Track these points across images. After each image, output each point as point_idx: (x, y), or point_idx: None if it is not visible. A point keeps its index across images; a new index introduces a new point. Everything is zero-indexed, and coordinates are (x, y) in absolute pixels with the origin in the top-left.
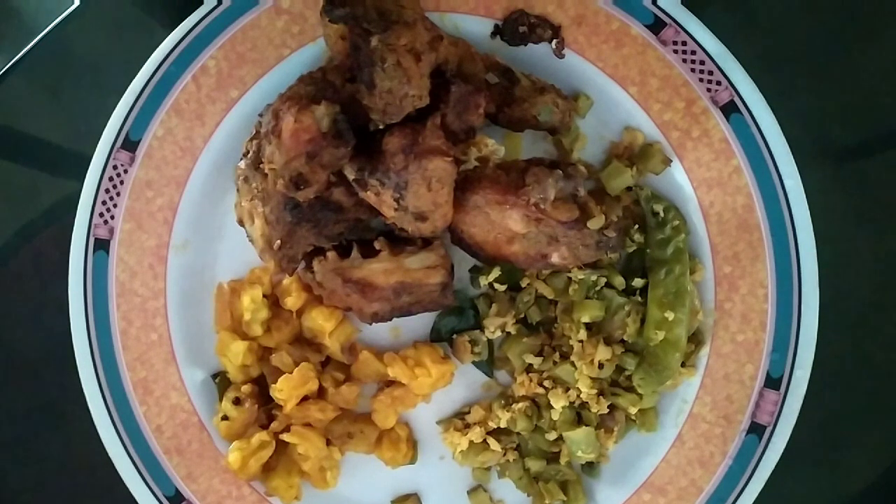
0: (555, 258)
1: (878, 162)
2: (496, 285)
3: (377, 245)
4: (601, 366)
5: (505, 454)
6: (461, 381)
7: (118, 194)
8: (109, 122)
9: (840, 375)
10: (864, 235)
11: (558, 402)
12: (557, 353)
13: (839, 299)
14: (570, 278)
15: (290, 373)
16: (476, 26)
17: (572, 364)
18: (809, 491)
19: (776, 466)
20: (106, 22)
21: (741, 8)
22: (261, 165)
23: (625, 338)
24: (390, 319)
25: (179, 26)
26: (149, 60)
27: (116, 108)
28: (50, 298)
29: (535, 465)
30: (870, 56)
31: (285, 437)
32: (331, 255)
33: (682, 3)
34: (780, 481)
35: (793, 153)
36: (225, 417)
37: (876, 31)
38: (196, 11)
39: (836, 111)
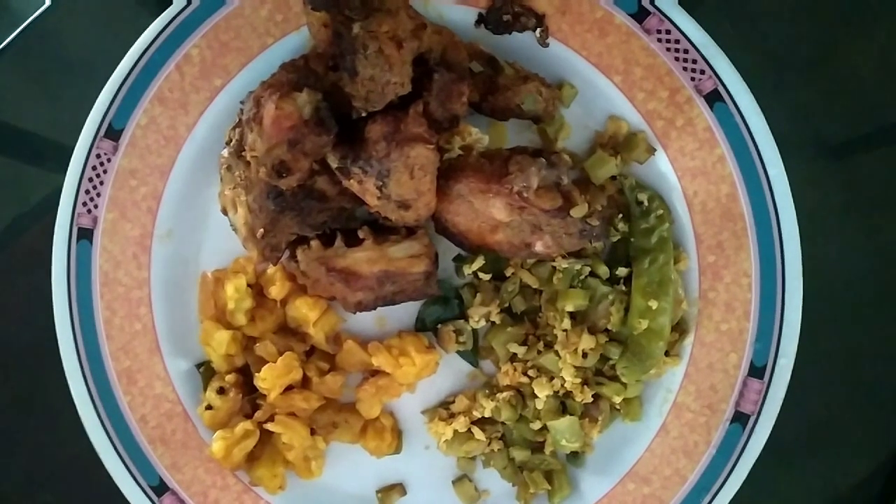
0: (538, 247)
1: (865, 154)
2: (480, 274)
3: (361, 234)
4: (585, 355)
5: (490, 444)
6: (446, 371)
7: (101, 183)
8: (92, 110)
9: (826, 366)
10: (849, 226)
11: (542, 392)
12: (542, 343)
13: (823, 289)
14: (554, 267)
15: (275, 362)
16: (460, 15)
17: (556, 353)
18: (799, 483)
19: (764, 458)
20: (89, 11)
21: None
22: (243, 154)
23: (609, 327)
24: (374, 308)
25: (162, 15)
26: (132, 49)
27: (99, 97)
28: (33, 288)
29: (519, 454)
30: (858, 50)
31: (269, 426)
32: (314, 243)
33: None
34: (768, 473)
35: (779, 145)
36: (209, 407)
37: (864, 25)
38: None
39: (824, 104)
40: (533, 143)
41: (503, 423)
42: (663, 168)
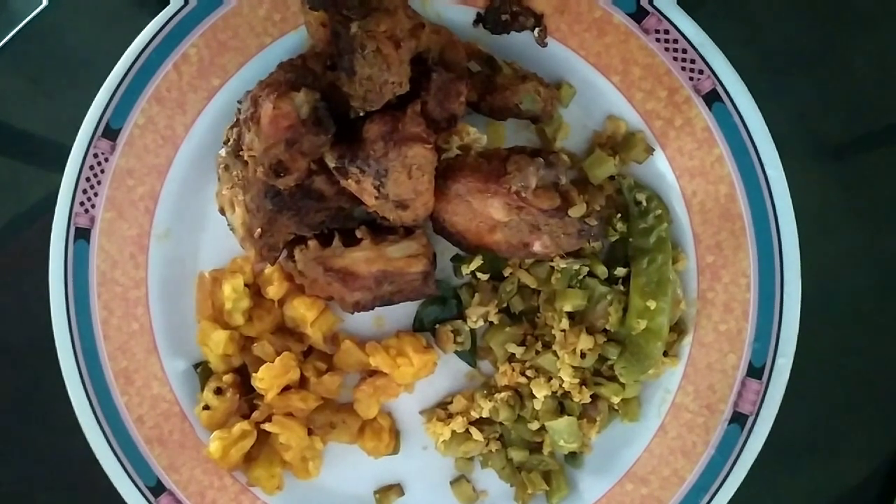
0: (537, 247)
1: (864, 154)
2: (479, 274)
3: (359, 234)
4: (583, 355)
5: (487, 444)
6: (444, 371)
7: (99, 183)
8: (90, 110)
9: (825, 366)
10: (848, 226)
11: (541, 392)
12: (540, 343)
13: (822, 289)
14: (552, 267)
15: (272, 362)
16: (459, 14)
17: (554, 353)
18: (798, 483)
19: (763, 458)
20: (87, 11)
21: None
22: (241, 153)
23: (607, 327)
24: (372, 308)
25: (160, 14)
26: (129, 48)
27: (97, 97)
28: (30, 288)
29: (517, 454)
30: (858, 50)
31: (267, 426)
32: (312, 243)
33: None
34: (767, 474)
35: (778, 145)
36: (206, 407)
37: (865, 25)
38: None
39: (823, 104)
40: (531, 143)
41: (501, 424)
42: (662, 168)
